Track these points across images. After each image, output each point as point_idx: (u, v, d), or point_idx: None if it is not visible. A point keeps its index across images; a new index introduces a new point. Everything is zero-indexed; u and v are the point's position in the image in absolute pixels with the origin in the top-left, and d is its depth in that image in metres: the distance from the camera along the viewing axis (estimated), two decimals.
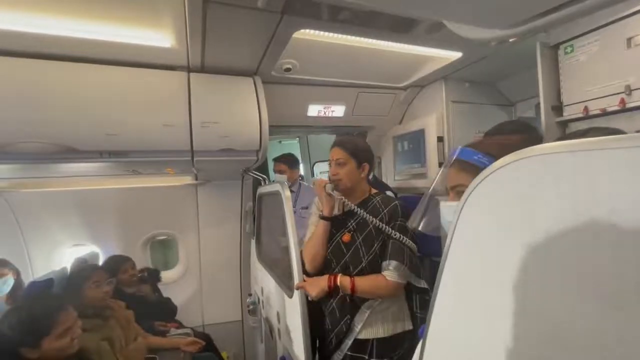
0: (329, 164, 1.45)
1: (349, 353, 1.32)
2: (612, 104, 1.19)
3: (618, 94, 1.17)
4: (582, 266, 0.38)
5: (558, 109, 1.37)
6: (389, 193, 1.92)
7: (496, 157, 0.49)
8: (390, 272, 1.29)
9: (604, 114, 1.22)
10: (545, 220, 0.42)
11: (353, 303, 1.33)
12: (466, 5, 0.46)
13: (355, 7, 1.21)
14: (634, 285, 0.34)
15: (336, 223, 1.42)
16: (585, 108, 1.28)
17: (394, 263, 1.29)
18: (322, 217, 1.40)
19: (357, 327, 1.32)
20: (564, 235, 0.40)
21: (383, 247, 1.33)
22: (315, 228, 1.43)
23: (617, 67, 1.17)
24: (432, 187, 0.90)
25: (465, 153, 0.75)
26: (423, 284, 1.34)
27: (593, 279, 0.37)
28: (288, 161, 2.66)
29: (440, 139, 1.96)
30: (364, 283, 1.29)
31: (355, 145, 1.41)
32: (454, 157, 0.79)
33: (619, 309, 0.35)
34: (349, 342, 1.32)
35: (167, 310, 2.41)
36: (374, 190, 1.49)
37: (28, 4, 1.15)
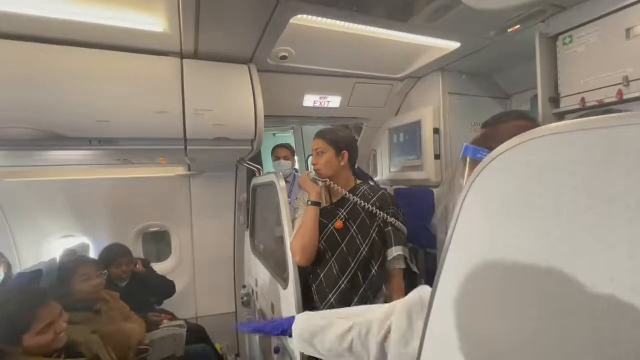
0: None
1: None
2: (610, 95, 1.19)
3: (615, 85, 1.17)
4: (595, 251, 0.37)
5: (555, 100, 1.37)
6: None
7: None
8: (400, 260, 1.35)
9: (601, 105, 1.22)
10: (555, 203, 0.41)
11: (356, 297, 1.31)
12: None
13: None
14: None
15: (326, 214, 1.39)
16: (582, 99, 1.27)
17: (400, 249, 1.34)
18: (312, 203, 1.36)
19: None
20: (575, 219, 0.39)
21: (380, 234, 1.35)
22: (304, 215, 1.37)
23: (616, 58, 1.17)
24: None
25: (466, 150, 0.74)
26: (414, 269, 1.40)
27: (606, 268, 0.36)
28: (291, 148, 2.57)
29: (436, 131, 1.95)
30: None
31: (334, 133, 1.43)
32: (462, 155, 0.78)
33: None
34: None
35: (165, 287, 2.35)
36: (358, 180, 1.48)
37: None
